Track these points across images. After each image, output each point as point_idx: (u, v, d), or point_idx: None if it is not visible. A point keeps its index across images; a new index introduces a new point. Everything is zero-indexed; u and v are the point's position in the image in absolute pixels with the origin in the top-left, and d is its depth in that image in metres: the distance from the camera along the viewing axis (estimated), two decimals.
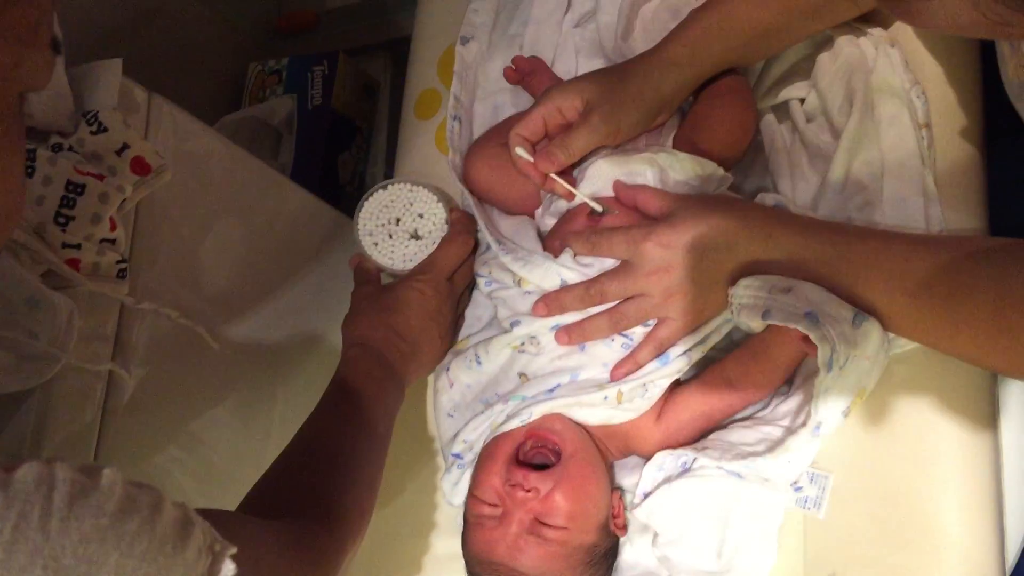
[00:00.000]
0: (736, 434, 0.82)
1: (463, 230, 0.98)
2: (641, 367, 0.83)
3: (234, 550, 0.49)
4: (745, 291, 0.77)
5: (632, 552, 0.87)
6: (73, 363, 0.82)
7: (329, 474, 0.78)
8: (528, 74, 1.03)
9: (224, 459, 1.00)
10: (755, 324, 0.78)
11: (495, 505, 0.82)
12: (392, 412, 0.90)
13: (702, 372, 0.85)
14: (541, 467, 0.82)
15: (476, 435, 0.90)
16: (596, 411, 0.84)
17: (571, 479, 0.81)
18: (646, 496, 0.83)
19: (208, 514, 0.51)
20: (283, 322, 1.13)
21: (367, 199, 1.02)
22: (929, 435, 0.78)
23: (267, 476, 0.77)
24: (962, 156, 0.85)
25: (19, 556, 0.40)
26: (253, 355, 1.05)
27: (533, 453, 0.83)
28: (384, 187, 1.03)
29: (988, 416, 0.79)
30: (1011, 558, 0.82)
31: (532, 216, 0.97)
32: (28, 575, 0.40)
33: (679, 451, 0.82)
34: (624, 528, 0.86)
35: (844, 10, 0.85)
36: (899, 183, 0.84)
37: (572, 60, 1.05)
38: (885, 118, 0.86)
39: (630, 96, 0.85)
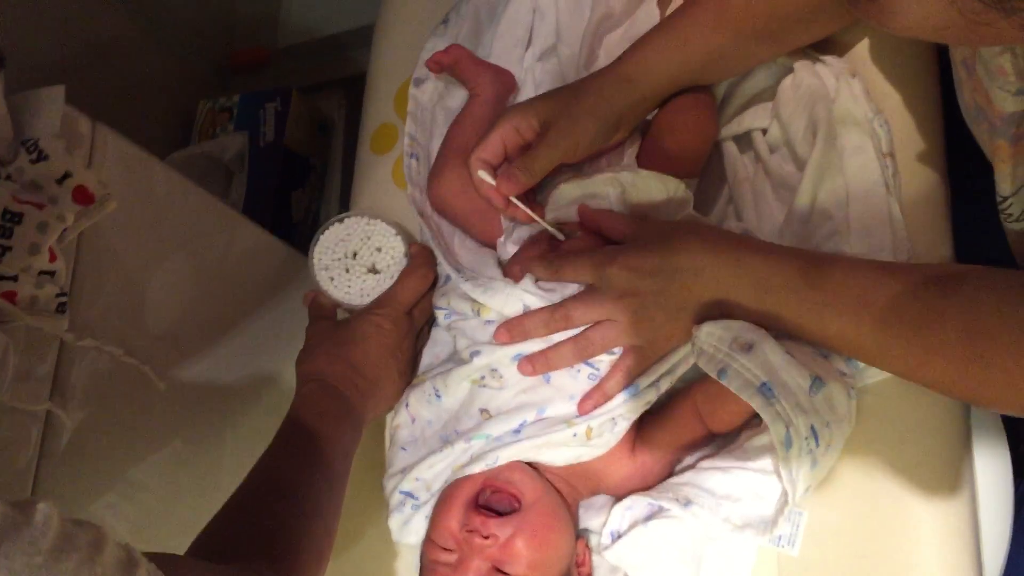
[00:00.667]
0: (713, 480, 0.79)
1: (423, 263, 0.96)
2: (610, 399, 0.80)
3: None
4: (707, 338, 0.76)
5: None
6: (8, 403, 0.78)
7: (283, 515, 0.74)
8: (451, 65, 1.02)
9: (166, 506, 0.96)
10: (711, 375, 0.77)
11: (451, 551, 0.78)
12: (350, 450, 0.86)
13: (671, 403, 0.83)
14: (503, 513, 0.79)
15: (432, 474, 0.86)
16: (565, 451, 0.81)
17: (531, 526, 0.78)
18: (616, 537, 0.80)
19: (153, 557, 0.47)
20: (233, 361, 1.09)
21: (323, 232, 1.00)
22: (904, 469, 0.77)
23: (217, 517, 0.73)
24: (926, 183, 0.85)
25: None
26: (201, 396, 1.01)
27: (494, 499, 0.80)
28: (340, 220, 1.00)
29: (961, 448, 0.78)
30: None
31: (495, 241, 0.95)
32: None
33: (648, 496, 0.80)
34: None
35: (797, 37, 0.86)
36: (865, 212, 0.83)
37: (533, 94, 1.04)
38: (849, 148, 0.86)
39: (585, 110, 0.84)
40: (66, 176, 0.82)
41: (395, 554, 0.96)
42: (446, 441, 0.86)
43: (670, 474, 0.84)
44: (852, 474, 0.78)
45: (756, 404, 0.73)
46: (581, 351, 0.80)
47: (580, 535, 0.85)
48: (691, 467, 0.82)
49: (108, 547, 0.43)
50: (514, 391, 0.84)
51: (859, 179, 0.85)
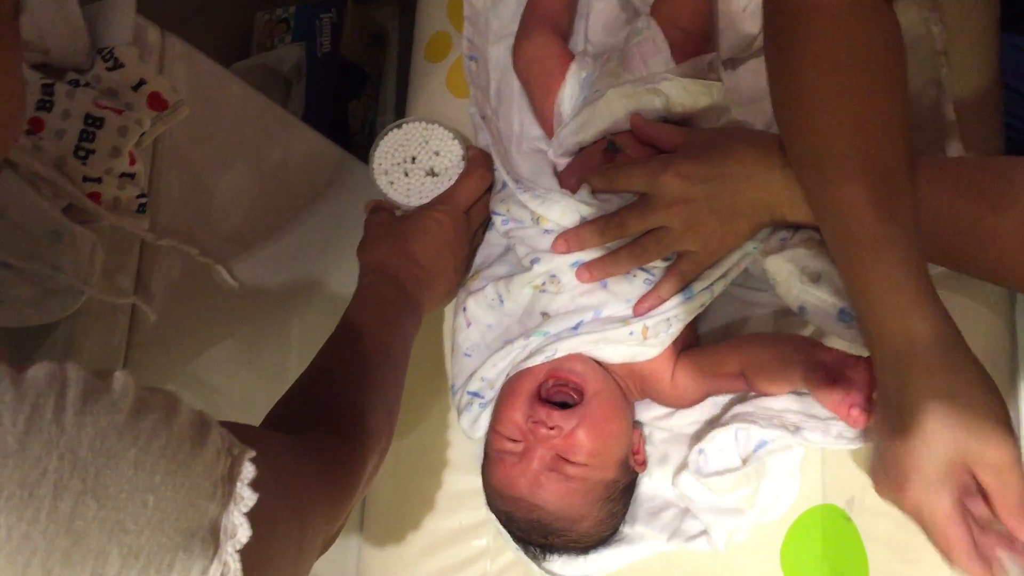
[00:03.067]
0: (780, 402, 0.80)
1: (480, 165, 0.98)
2: (664, 301, 0.83)
3: (253, 453, 0.49)
4: (776, 273, 0.78)
5: (650, 484, 0.88)
6: (96, 297, 0.83)
7: (348, 393, 0.78)
8: None
9: (237, 399, 1.00)
10: (790, 301, 0.79)
11: (517, 441, 0.82)
12: (409, 337, 0.90)
13: (719, 350, 0.84)
14: (563, 405, 0.83)
15: (495, 372, 0.90)
16: (621, 348, 0.84)
17: (593, 418, 0.81)
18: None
19: (227, 425, 0.50)
20: (296, 261, 1.13)
21: (382, 137, 1.02)
22: None
23: (287, 395, 0.77)
24: (980, 82, 0.84)
25: (33, 447, 0.39)
26: (267, 294, 1.05)
27: (555, 391, 0.84)
28: (399, 126, 1.03)
29: (1008, 342, 0.79)
30: None
31: (550, 116, 0.98)
32: (42, 466, 0.39)
33: (754, 424, 0.79)
34: (644, 464, 0.87)
35: None
36: (917, 111, 0.84)
37: None
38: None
39: None
40: (141, 83, 0.86)
41: (448, 443, 1.01)
42: (507, 341, 0.90)
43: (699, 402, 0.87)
44: None
45: (838, 332, 0.74)
46: (636, 257, 0.82)
47: (635, 425, 0.89)
48: (752, 398, 0.83)
49: (182, 409, 0.46)
50: (572, 295, 0.86)
51: (912, 78, 0.83)
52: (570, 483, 0.81)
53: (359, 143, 1.59)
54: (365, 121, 1.61)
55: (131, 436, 0.42)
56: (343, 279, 1.16)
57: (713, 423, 0.85)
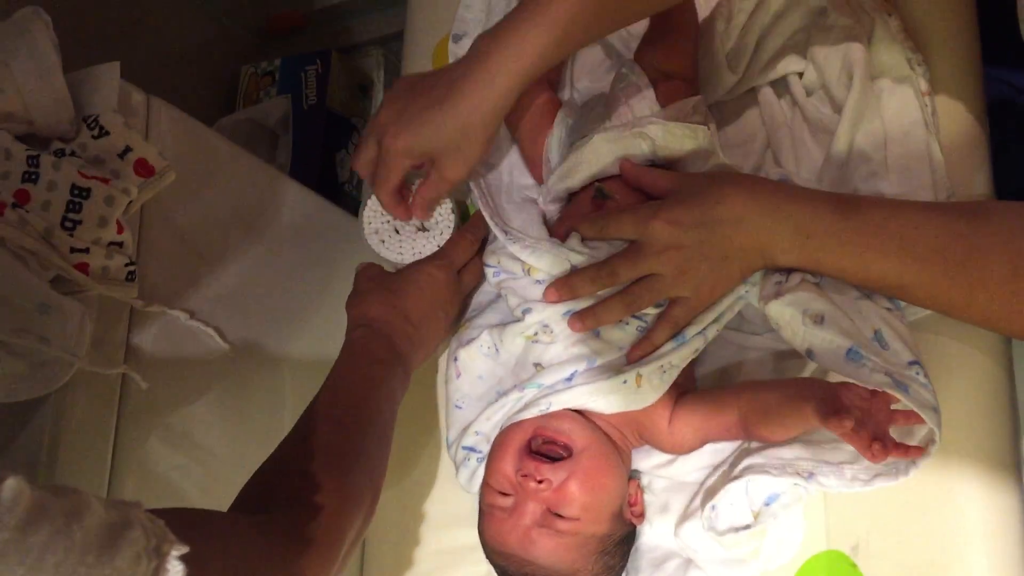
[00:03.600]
0: (791, 451, 0.78)
1: (471, 229, 0.98)
2: (657, 348, 0.82)
3: (184, 550, 0.45)
4: (778, 318, 0.77)
5: (652, 534, 0.87)
6: (86, 368, 0.82)
7: (327, 463, 0.75)
8: None
9: (232, 465, 0.99)
10: (797, 344, 0.78)
11: (507, 495, 0.82)
12: (397, 397, 0.88)
13: (717, 396, 0.83)
14: (555, 459, 0.82)
15: (490, 426, 0.89)
16: (614, 398, 0.83)
17: (584, 471, 0.81)
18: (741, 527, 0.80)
19: (169, 513, 0.48)
20: (287, 322, 1.12)
21: (370, 196, 1.02)
22: (948, 404, 0.76)
23: (261, 469, 0.75)
24: (965, 122, 0.85)
25: None
26: (260, 356, 1.05)
27: (545, 448, 0.83)
28: None
29: (1005, 381, 0.79)
30: None
31: (539, 158, 0.98)
32: None
33: (765, 474, 0.77)
34: (641, 516, 0.86)
35: None
36: (904, 152, 0.84)
37: None
38: (886, 88, 0.86)
39: (474, 140, 0.85)
40: (127, 150, 0.86)
41: (448, 498, 1.00)
42: (501, 394, 0.89)
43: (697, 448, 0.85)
44: None
45: (848, 373, 0.72)
46: (628, 305, 0.82)
47: (632, 476, 0.88)
48: (760, 448, 0.81)
49: (90, 513, 0.42)
50: (565, 344, 0.86)
51: (897, 119, 0.85)
52: (562, 538, 0.80)
53: (348, 194, 1.59)
54: (353, 172, 1.62)
55: (17, 555, 0.38)
56: (336, 335, 1.15)
57: (716, 470, 0.84)
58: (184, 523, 0.47)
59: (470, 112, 0.82)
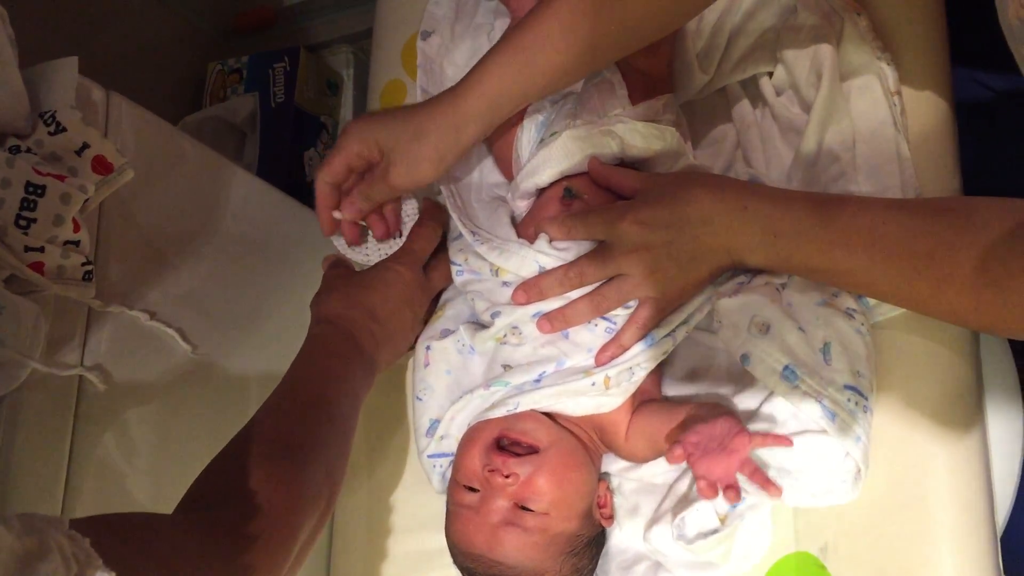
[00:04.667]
0: (781, 457, 0.76)
1: (430, 217, 0.97)
2: (626, 350, 0.82)
3: (101, 571, 0.43)
4: (726, 317, 0.78)
5: (621, 537, 0.87)
6: (41, 369, 0.80)
7: (279, 459, 0.73)
8: None
9: (194, 466, 0.98)
10: (734, 349, 0.79)
11: (475, 490, 0.81)
12: (359, 394, 0.85)
13: (673, 406, 0.83)
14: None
15: (455, 426, 0.89)
16: (584, 399, 0.83)
17: (552, 465, 0.80)
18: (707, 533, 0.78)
19: (108, 524, 0.46)
20: (254, 323, 1.11)
21: None
22: (915, 404, 0.78)
23: (210, 464, 0.73)
24: (934, 120, 0.85)
25: None
26: (224, 357, 1.03)
27: (512, 447, 0.82)
28: None
29: (972, 381, 0.79)
30: (1001, 518, 0.82)
31: (510, 162, 0.97)
32: None
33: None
34: (611, 519, 0.86)
35: (646, 39, 0.83)
36: (872, 151, 0.84)
37: None
38: (855, 88, 0.86)
39: (427, 155, 0.85)
40: (84, 147, 0.84)
41: (421, 502, 0.99)
42: (466, 391, 0.88)
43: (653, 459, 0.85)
44: None
45: (781, 391, 0.75)
46: (597, 306, 0.82)
47: (602, 478, 0.87)
48: None
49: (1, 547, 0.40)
50: (534, 346, 0.85)
51: (866, 119, 0.85)
52: (530, 536, 0.79)
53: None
54: None
55: None
56: (302, 334, 1.13)
57: (686, 473, 0.83)
58: (117, 535, 0.46)
59: (435, 132, 0.84)
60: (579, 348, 0.84)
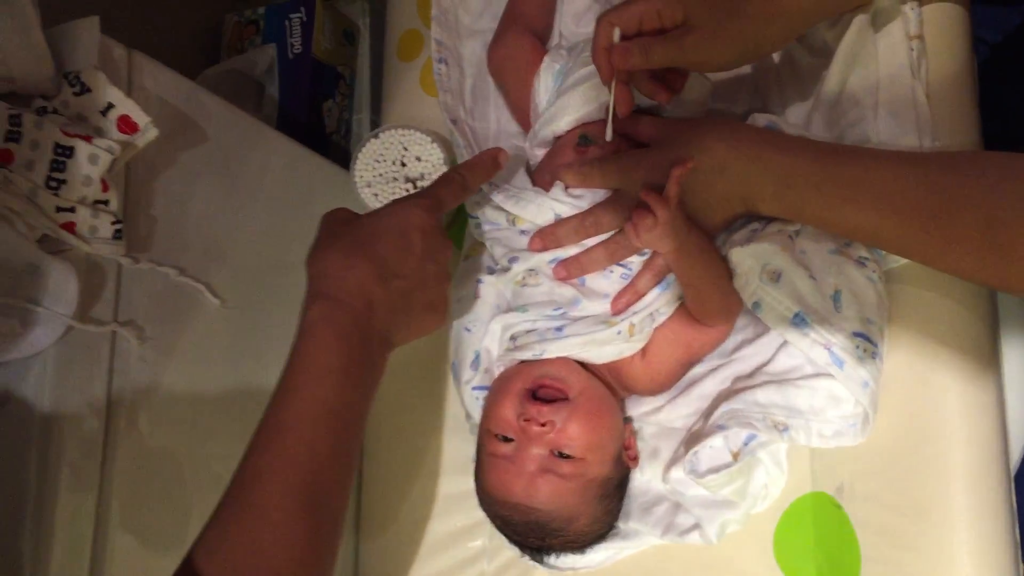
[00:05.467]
0: (799, 397, 0.79)
1: (468, 169, 0.85)
2: (641, 296, 0.83)
3: None
4: (739, 265, 0.79)
5: (642, 479, 0.89)
6: (77, 326, 0.82)
7: (307, 515, 0.65)
8: None
9: (226, 418, 1.00)
10: (745, 297, 0.80)
11: (510, 440, 0.82)
12: (365, 408, 0.73)
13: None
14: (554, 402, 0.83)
15: (489, 358, 0.90)
16: (609, 348, 0.84)
17: (584, 410, 0.82)
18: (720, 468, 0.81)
19: None
20: (279, 276, 1.12)
21: (360, 150, 1.02)
22: (929, 344, 0.79)
23: (228, 520, 0.65)
24: (954, 67, 0.84)
25: None
26: (252, 309, 1.05)
27: (543, 393, 0.83)
28: (376, 135, 1.02)
29: (988, 327, 0.80)
30: (1015, 457, 0.84)
31: (527, 116, 0.97)
32: None
33: (746, 426, 0.79)
34: (636, 460, 0.87)
35: None
36: (891, 97, 0.84)
37: None
38: (880, 32, 0.86)
39: (731, 36, 0.78)
40: (109, 107, 0.85)
41: (441, 444, 1.02)
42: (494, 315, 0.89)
43: (676, 378, 0.88)
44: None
45: (791, 338, 0.77)
46: (612, 254, 0.83)
47: (626, 421, 0.89)
48: (741, 390, 0.83)
49: None
50: (551, 287, 0.86)
51: (885, 64, 0.85)
52: (567, 482, 0.81)
53: (336, 143, 1.58)
54: (341, 120, 1.60)
55: None
56: None
57: (703, 416, 0.85)
58: None
59: (748, 17, 0.77)
60: (595, 293, 0.85)
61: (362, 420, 0.72)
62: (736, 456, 0.80)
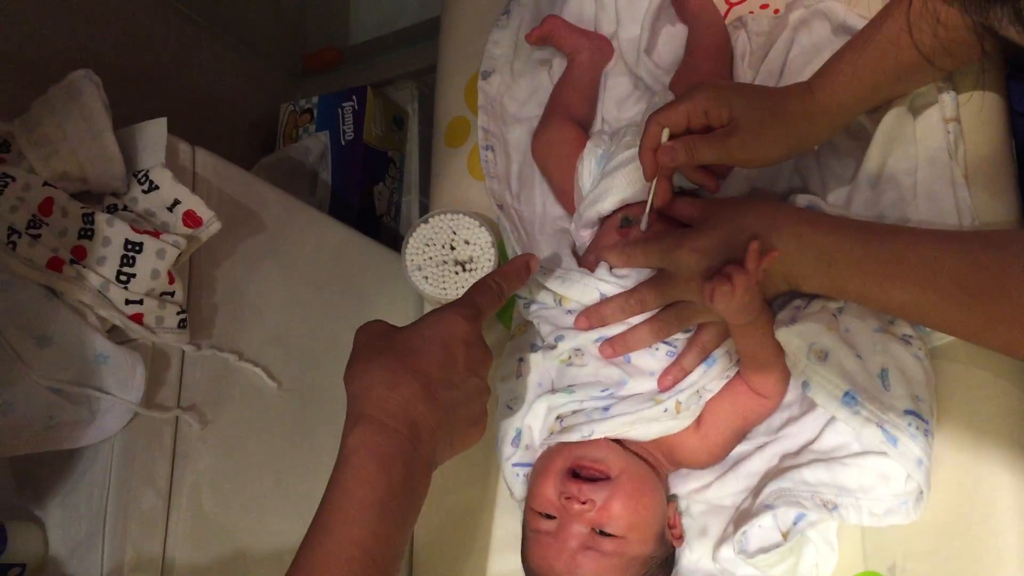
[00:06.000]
0: (844, 475, 0.79)
1: (502, 276, 0.84)
2: (687, 373, 0.84)
3: None
4: (786, 346, 0.80)
5: (691, 558, 0.89)
6: (143, 413, 0.86)
7: None
8: (548, 34, 1.09)
9: (287, 494, 1.02)
10: (795, 376, 0.81)
11: (552, 517, 0.83)
12: (406, 527, 0.69)
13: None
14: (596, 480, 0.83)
15: (532, 435, 0.91)
16: (655, 426, 0.85)
17: (626, 489, 0.82)
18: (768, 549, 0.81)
19: None
20: (332, 359, 1.14)
21: (411, 234, 1.05)
22: (979, 425, 0.79)
23: None
24: (991, 148, 0.85)
25: None
26: (306, 392, 1.07)
27: (584, 474, 0.84)
28: (425, 220, 1.06)
29: None
30: None
31: (570, 200, 1.01)
32: None
33: (795, 505, 0.79)
34: (681, 539, 0.87)
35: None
36: (930, 177, 0.85)
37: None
38: (917, 117, 0.87)
39: (776, 136, 0.82)
40: (176, 203, 0.90)
41: (494, 520, 1.02)
42: (540, 395, 0.90)
43: (730, 449, 0.88)
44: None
45: (842, 416, 0.77)
46: (657, 332, 0.84)
47: (671, 499, 0.90)
48: (788, 468, 0.83)
49: None
50: (596, 367, 0.88)
51: (924, 146, 0.86)
52: (607, 559, 0.81)
53: (386, 225, 1.63)
54: (391, 203, 1.65)
55: None
56: None
57: (752, 494, 0.85)
58: None
59: (789, 117, 0.82)
60: (641, 372, 0.86)
61: (400, 551, 0.68)
62: (786, 536, 0.80)
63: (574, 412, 0.88)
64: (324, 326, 1.12)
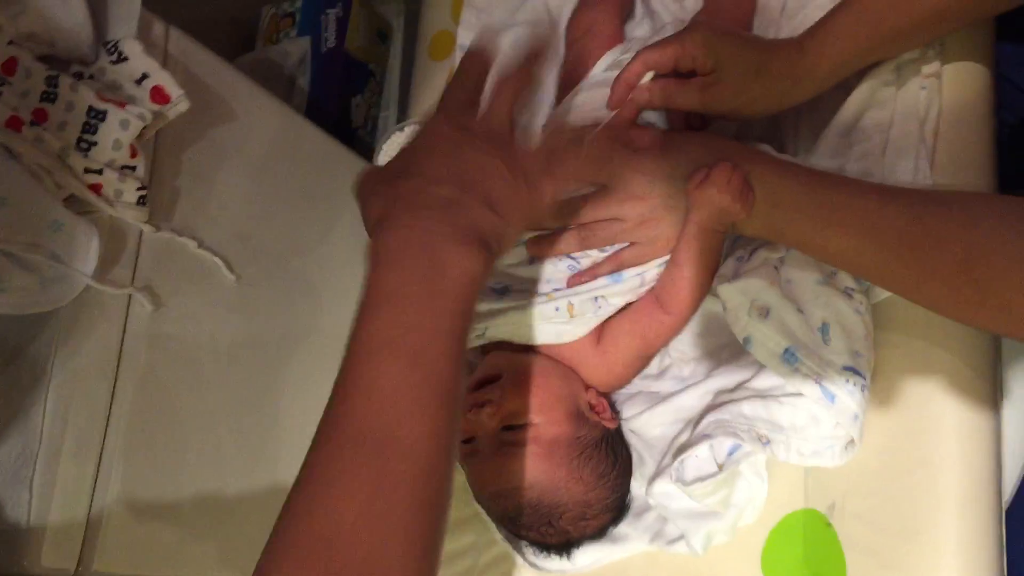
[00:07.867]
0: (780, 412, 0.79)
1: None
2: (597, 278, 0.83)
3: None
4: (728, 301, 0.79)
5: (633, 485, 0.89)
6: (95, 286, 0.84)
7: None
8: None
9: (233, 391, 1.01)
10: (739, 341, 0.80)
11: (470, 441, 0.83)
12: (440, 316, 0.58)
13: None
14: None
15: None
16: (547, 327, 0.84)
17: (520, 377, 0.83)
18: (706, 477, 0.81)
19: None
20: (296, 262, 1.14)
21: (386, 142, 1.03)
22: (928, 368, 0.79)
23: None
24: (969, 112, 0.84)
25: None
26: (264, 291, 1.06)
27: (476, 382, 0.85)
28: (400, 129, 1.04)
29: (989, 355, 0.80)
30: (1008, 490, 0.84)
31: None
32: None
33: (731, 436, 0.79)
34: (613, 420, 0.87)
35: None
36: (901, 135, 0.84)
37: None
38: (901, 77, 0.86)
39: (757, 94, 0.80)
40: (144, 77, 0.87)
41: None
42: None
43: (634, 372, 0.89)
44: (877, 388, 0.80)
45: (782, 373, 0.77)
46: (583, 240, 0.83)
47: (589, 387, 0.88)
48: (726, 402, 0.83)
49: None
50: (507, 262, 0.88)
51: (902, 102, 0.85)
52: (526, 451, 0.81)
53: (361, 139, 1.60)
54: (368, 117, 1.63)
55: None
56: (341, 277, 1.16)
57: (691, 426, 0.85)
58: None
59: (775, 76, 0.80)
60: (539, 276, 0.85)
61: (439, 344, 0.57)
62: (721, 466, 0.81)
63: None
64: (289, 229, 1.11)
